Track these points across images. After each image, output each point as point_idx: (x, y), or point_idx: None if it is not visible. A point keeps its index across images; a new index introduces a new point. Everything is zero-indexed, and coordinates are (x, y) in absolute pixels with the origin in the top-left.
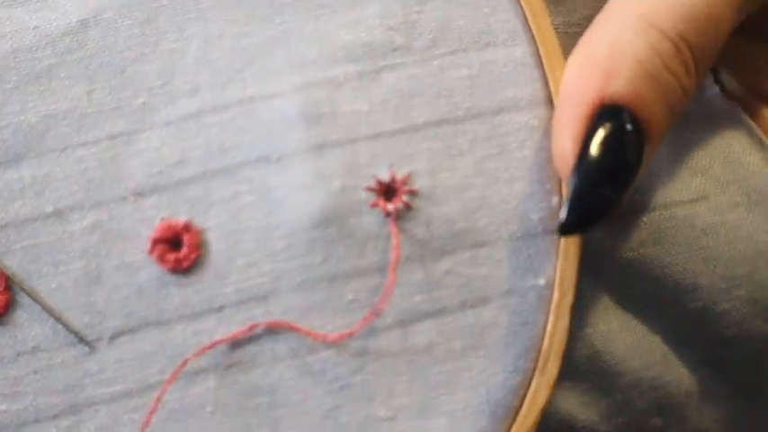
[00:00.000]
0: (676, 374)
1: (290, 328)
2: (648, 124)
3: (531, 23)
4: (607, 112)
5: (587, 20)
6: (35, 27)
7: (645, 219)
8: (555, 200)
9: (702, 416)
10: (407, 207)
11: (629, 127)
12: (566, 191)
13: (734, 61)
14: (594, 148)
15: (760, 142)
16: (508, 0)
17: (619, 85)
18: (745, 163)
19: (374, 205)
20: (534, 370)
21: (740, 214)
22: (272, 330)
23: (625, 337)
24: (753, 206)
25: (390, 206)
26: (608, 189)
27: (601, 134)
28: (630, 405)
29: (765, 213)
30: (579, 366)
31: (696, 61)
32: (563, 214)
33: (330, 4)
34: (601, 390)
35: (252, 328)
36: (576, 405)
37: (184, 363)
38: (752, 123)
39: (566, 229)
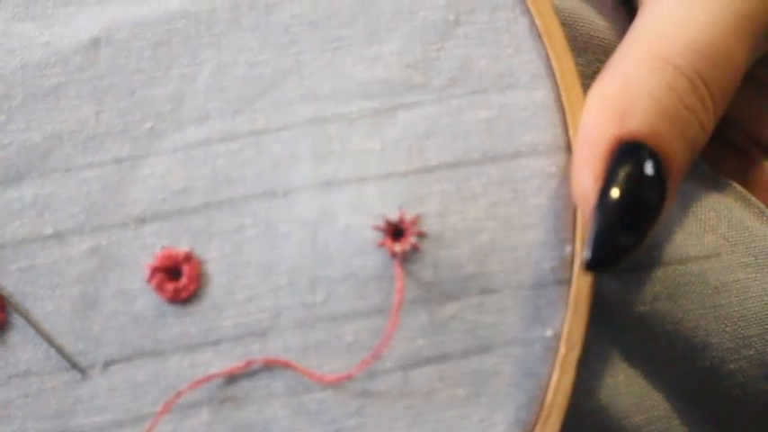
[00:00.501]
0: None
1: (288, 366)
2: (668, 161)
3: (554, 66)
4: (626, 149)
5: None
6: (46, 43)
7: (659, 273)
8: (568, 249)
9: None
10: (415, 249)
11: (649, 162)
12: (586, 230)
13: (735, 110)
14: (616, 184)
15: (758, 209)
16: (532, 41)
17: (636, 123)
18: (748, 227)
19: (381, 245)
20: (536, 423)
21: (749, 274)
22: (269, 367)
23: (631, 392)
24: (761, 267)
25: (397, 247)
26: (632, 225)
27: (621, 170)
28: None
29: None
30: (583, 420)
31: (713, 97)
32: (587, 252)
33: (348, 36)
34: None
35: (248, 364)
36: None
37: (178, 395)
38: (746, 192)
39: (592, 266)
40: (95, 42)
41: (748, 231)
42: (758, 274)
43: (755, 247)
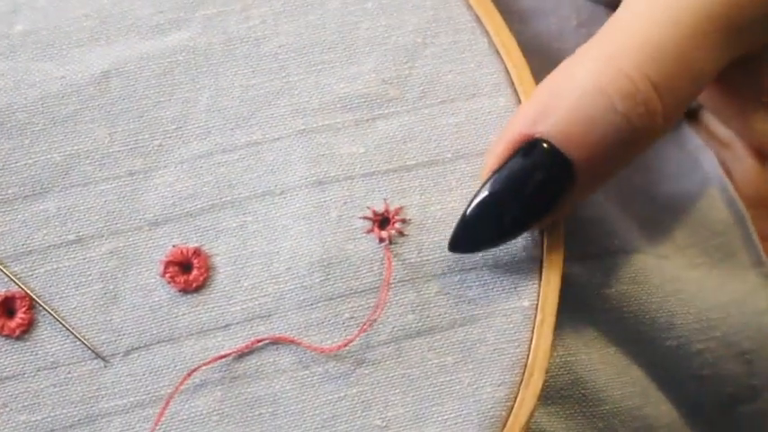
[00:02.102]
0: (657, 410)
1: (292, 343)
2: (579, 164)
3: (513, 76)
4: (525, 147)
5: None
6: (62, 77)
7: (621, 259)
8: (536, 230)
9: None
10: (400, 234)
11: (544, 162)
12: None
13: (717, 106)
14: (503, 176)
15: (733, 201)
16: (492, 56)
17: (548, 125)
18: (709, 222)
19: (369, 232)
20: (520, 383)
21: (703, 272)
22: (275, 345)
23: (606, 369)
24: (714, 264)
25: (384, 233)
26: (497, 221)
27: (512, 164)
28: None
29: (732, 268)
30: (563, 391)
31: (663, 100)
32: (452, 231)
33: (329, 60)
34: (584, 416)
35: (255, 342)
36: (561, 429)
37: (189, 374)
38: (727, 181)
39: (452, 245)
40: (106, 74)
41: (706, 229)
42: (712, 271)
43: (712, 245)
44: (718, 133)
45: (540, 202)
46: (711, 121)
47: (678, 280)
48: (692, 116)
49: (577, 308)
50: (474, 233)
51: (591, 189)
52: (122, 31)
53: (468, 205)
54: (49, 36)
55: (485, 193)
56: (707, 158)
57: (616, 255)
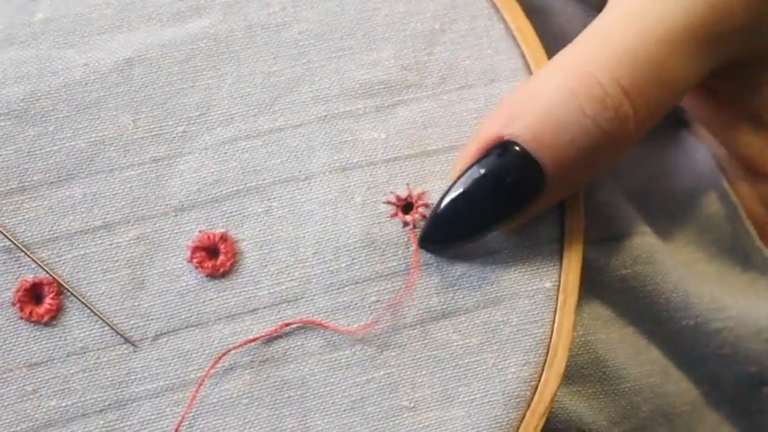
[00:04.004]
0: (678, 387)
1: (319, 325)
2: (548, 167)
3: (530, 61)
4: (496, 148)
5: None
6: (85, 64)
7: (637, 240)
8: (557, 213)
9: (709, 431)
10: (423, 217)
11: (514, 166)
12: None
13: (706, 117)
14: (473, 178)
15: (725, 195)
16: (509, 41)
17: (518, 127)
18: (704, 217)
19: (393, 216)
20: (544, 363)
21: (704, 266)
22: (303, 329)
23: (625, 348)
24: (713, 258)
25: (408, 217)
26: (471, 215)
27: (482, 167)
28: (636, 411)
29: (728, 262)
30: (583, 370)
31: (634, 104)
32: (422, 229)
33: (349, 47)
34: (606, 394)
35: (283, 326)
36: (583, 408)
37: (219, 357)
38: (720, 176)
39: (422, 241)
40: (129, 62)
41: (703, 223)
42: (710, 266)
43: (708, 240)
44: (709, 144)
45: (510, 203)
46: (704, 133)
47: (689, 263)
48: (686, 125)
49: (595, 289)
50: (443, 230)
51: (562, 192)
52: (143, 18)
53: (439, 203)
54: (70, 24)
55: (457, 191)
56: (701, 156)
57: (632, 237)
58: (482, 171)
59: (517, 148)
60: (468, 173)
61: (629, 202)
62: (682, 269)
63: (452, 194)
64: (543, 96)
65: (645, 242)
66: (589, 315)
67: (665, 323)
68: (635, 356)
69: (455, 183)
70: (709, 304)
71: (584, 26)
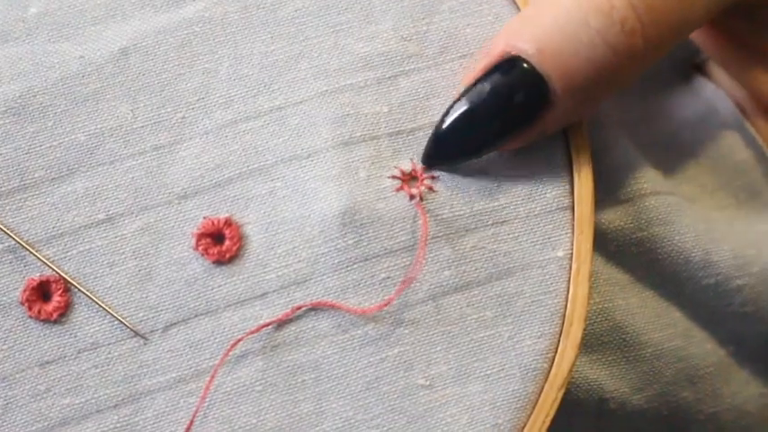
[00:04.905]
0: (701, 349)
1: (331, 307)
2: (554, 78)
3: None
4: (501, 65)
5: None
6: (81, 57)
7: (652, 201)
8: (567, 179)
9: (736, 392)
10: (430, 190)
11: (521, 77)
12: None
13: (724, 58)
14: (480, 89)
15: (752, 140)
16: (509, 7)
17: (522, 41)
18: (732, 164)
19: (399, 190)
20: (560, 334)
21: (731, 213)
22: (314, 311)
23: (645, 312)
24: (742, 204)
25: (414, 190)
26: (477, 126)
27: (489, 78)
28: (658, 376)
29: (758, 206)
30: (602, 338)
31: (642, 21)
32: (429, 141)
33: (347, 21)
34: (627, 361)
35: (295, 310)
36: (604, 376)
37: (232, 346)
38: (744, 121)
39: (425, 157)
40: (124, 51)
41: (731, 170)
42: (740, 211)
43: (736, 186)
44: (726, 85)
45: (516, 118)
46: (720, 74)
47: (709, 220)
48: (700, 69)
49: (611, 254)
50: (447, 147)
51: (572, 111)
52: (137, 5)
53: (444, 117)
54: (64, 16)
55: (462, 108)
56: (722, 103)
57: (646, 198)
58: (487, 86)
59: (523, 63)
60: (474, 89)
61: (646, 158)
62: (700, 226)
63: (458, 110)
64: (547, 9)
65: (660, 202)
66: (606, 281)
67: (686, 284)
68: (656, 320)
69: (459, 98)
70: (730, 261)
71: None
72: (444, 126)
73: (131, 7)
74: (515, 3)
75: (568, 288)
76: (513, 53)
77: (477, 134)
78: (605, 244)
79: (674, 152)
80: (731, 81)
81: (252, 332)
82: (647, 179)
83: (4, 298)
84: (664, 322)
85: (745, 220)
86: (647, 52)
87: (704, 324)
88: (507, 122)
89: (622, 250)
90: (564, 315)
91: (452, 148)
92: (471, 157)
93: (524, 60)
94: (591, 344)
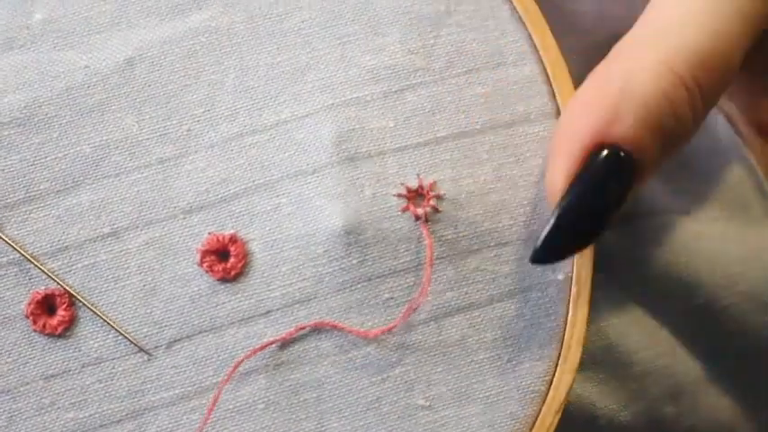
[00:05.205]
0: (685, 365)
1: (334, 327)
2: (642, 169)
3: (537, 44)
4: (604, 155)
5: (596, 46)
6: (86, 67)
7: (648, 221)
8: None
9: (712, 405)
10: (435, 210)
11: (622, 172)
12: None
13: (733, 93)
14: (584, 188)
15: (743, 158)
16: (516, 24)
17: (622, 130)
18: (724, 177)
19: (404, 210)
20: (558, 357)
21: (721, 226)
22: (317, 330)
23: (637, 330)
24: (731, 218)
25: (420, 210)
26: (585, 226)
27: (593, 175)
28: (645, 393)
29: (748, 220)
30: (596, 357)
31: (706, 104)
32: (537, 244)
33: (354, 33)
34: (617, 379)
35: (298, 329)
36: (595, 393)
37: (237, 364)
38: (737, 139)
39: (534, 259)
40: (130, 62)
41: (723, 184)
42: (730, 224)
43: (727, 199)
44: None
45: (615, 202)
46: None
47: (701, 236)
48: None
49: (607, 273)
50: (561, 244)
51: (640, 188)
52: (142, 13)
53: (558, 215)
54: (69, 23)
55: (572, 202)
56: (717, 119)
57: (643, 218)
58: (593, 178)
59: (622, 154)
60: (578, 182)
61: None
62: (693, 245)
63: (567, 205)
64: (641, 96)
65: (656, 223)
66: (602, 300)
67: (677, 303)
68: (646, 339)
69: (568, 193)
70: (719, 281)
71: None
72: (557, 222)
73: (136, 15)
74: (521, 20)
75: (567, 311)
76: (616, 146)
77: (587, 226)
78: (601, 262)
79: (672, 164)
80: (728, 102)
81: (256, 351)
82: (644, 199)
83: (9, 311)
84: (653, 340)
85: (735, 234)
86: (705, 112)
87: (688, 341)
88: (610, 208)
89: (617, 269)
90: (562, 338)
91: (562, 245)
92: (578, 250)
93: (622, 149)
94: (585, 362)
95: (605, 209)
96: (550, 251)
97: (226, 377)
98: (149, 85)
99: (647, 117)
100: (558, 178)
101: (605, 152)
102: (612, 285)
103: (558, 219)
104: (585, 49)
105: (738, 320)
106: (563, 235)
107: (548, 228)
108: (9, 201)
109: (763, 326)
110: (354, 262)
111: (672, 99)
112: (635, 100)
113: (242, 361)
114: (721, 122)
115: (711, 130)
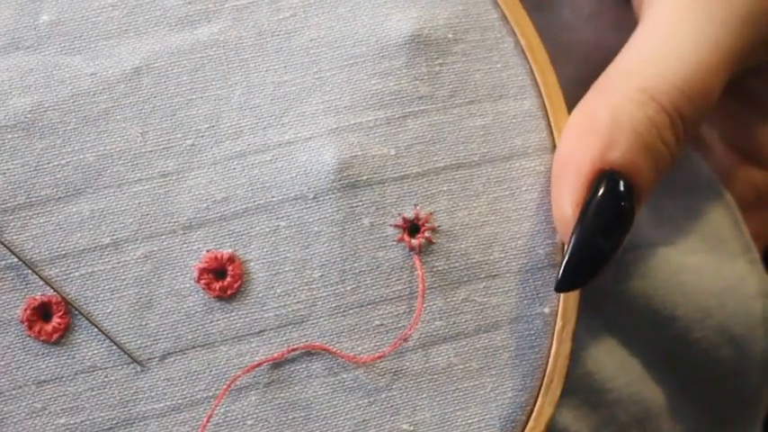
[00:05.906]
0: (653, 392)
1: (325, 351)
2: (640, 190)
3: (538, 78)
4: (606, 180)
5: (593, 75)
6: (92, 74)
7: (631, 255)
8: (558, 237)
9: (672, 429)
10: (429, 242)
11: (624, 194)
12: (564, 249)
13: (716, 121)
14: (594, 214)
15: (720, 194)
16: (517, 57)
17: (618, 155)
18: (703, 212)
19: (400, 240)
20: (540, 388)
21: (702, 257)
22: (308, 352)
23: (611, 360)
24: (710, 250)
25: (414, 242)
26: (602, 249)
27: (600, 201)
28: (615, 419)
29: (724, 255)
30: (573, 384)
31: (686, 132)
32: (561, 272)
33: (361, 54)
34: (590, 405)
35: (290, 351)
36: (569, 418)
37: (232, 381)
38: (713, 177)
39: (562, 287)
40: (137, 71)
41: (702, 218)
42: (708, 256)
43: (705, 232)
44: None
45: (621, 229)
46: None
47: (681, 269)
48: None
49: (590, 304)
50: (579, 273)
51: (641, 211)
52: (151, 22)
53: (572, 247)
54: (76, 27)
55: (585, 227)
56: (696, 156)
57: (626, 253)
58: (599, 206)
59: (624, 179)
60: (587, 210)
61: None
62: (673, 279)
63: (582, 232)
64: (630, 123)
65: (639, 256)
66: (581, 329)
67: (650, 334)
68: (620, 367)
69: (580, 221)
70: (693, 315)
71: (589, 16)
72: (574, 254)
73: (145, 24)
74: (523, 53)
75: (551, 344)
76: (614, 170)
77: (598, 251)
78: (588, 294)
79: (657, 195)
80: (709, 131)
81: (249, 369)
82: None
83: (5, 315)
84: (626, 368)
85: (712, 268)
86: (687, 138)
87: (658, 370)
88: (618, 235)
89: (599, 301)
90: (545, 370)
91: (580, 272)
92: (595, 276)
93: (620, 174)
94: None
95: (618, 229)
96: (574, 277)
97: (220, 394)
98: (155, 97)
99: (638, 141)
100: (568, 210)
101: (606, 179)
102: (592, 316)
103: (578, 241)
104: (582, 78)
105: (708, 352)
106: (585, 256)
107: (570, 252)
108: (9, 205)
109: (731, 358)
110: (348, 288)
111: (657, 125)
112: (625, 127)
113: (237, 378)
114: (699, 160)
115: (690, 165)
